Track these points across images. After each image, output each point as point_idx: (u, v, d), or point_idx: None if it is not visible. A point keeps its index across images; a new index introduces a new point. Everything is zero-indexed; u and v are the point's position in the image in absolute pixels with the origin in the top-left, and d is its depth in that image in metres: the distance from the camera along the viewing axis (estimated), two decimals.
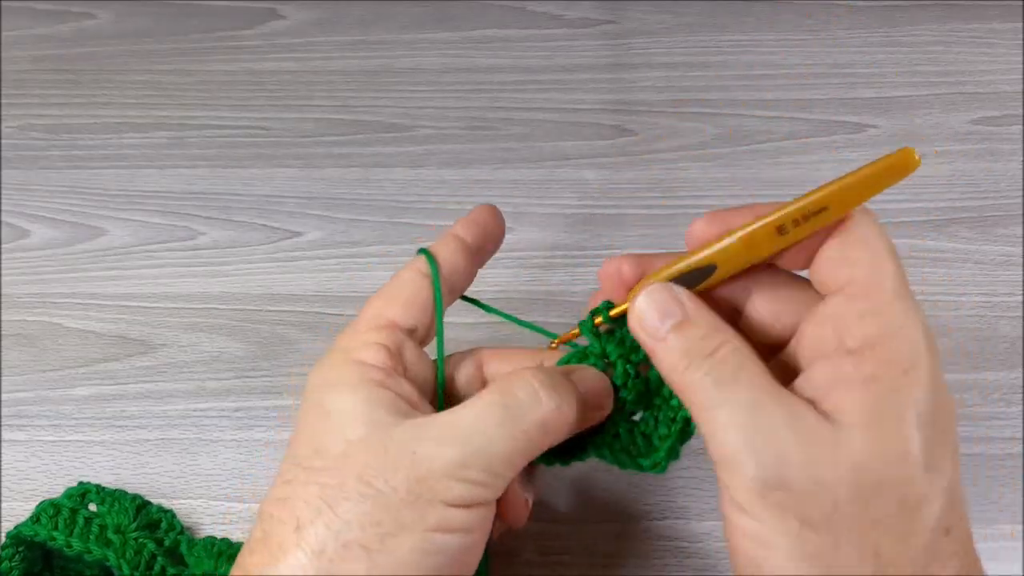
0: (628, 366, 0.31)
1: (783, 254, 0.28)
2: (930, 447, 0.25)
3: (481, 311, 0.36)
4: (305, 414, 0.30)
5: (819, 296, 0.28)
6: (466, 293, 0.35)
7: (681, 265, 0.29)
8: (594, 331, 0.31)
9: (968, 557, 0.26)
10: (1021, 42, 0.57)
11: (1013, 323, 0.46)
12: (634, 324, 0.29)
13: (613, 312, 0.31)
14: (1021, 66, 0.56)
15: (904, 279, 0.27)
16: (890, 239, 0.27)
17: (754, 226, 0.28)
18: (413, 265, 0.33)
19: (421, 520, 0.27)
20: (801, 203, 0.27)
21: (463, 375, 0.33)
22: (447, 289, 0.33)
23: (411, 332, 0.32)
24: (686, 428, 0.31)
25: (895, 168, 0.26)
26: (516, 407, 0.28)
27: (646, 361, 0.31)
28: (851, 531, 0.24)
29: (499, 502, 0.30)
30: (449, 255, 0.33)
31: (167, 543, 0.39)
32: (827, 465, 0.24)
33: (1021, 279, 0.47)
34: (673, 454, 0.31)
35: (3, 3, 0.62)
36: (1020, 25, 0.58)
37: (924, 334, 0.26)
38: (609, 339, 0.31)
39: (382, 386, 0.29)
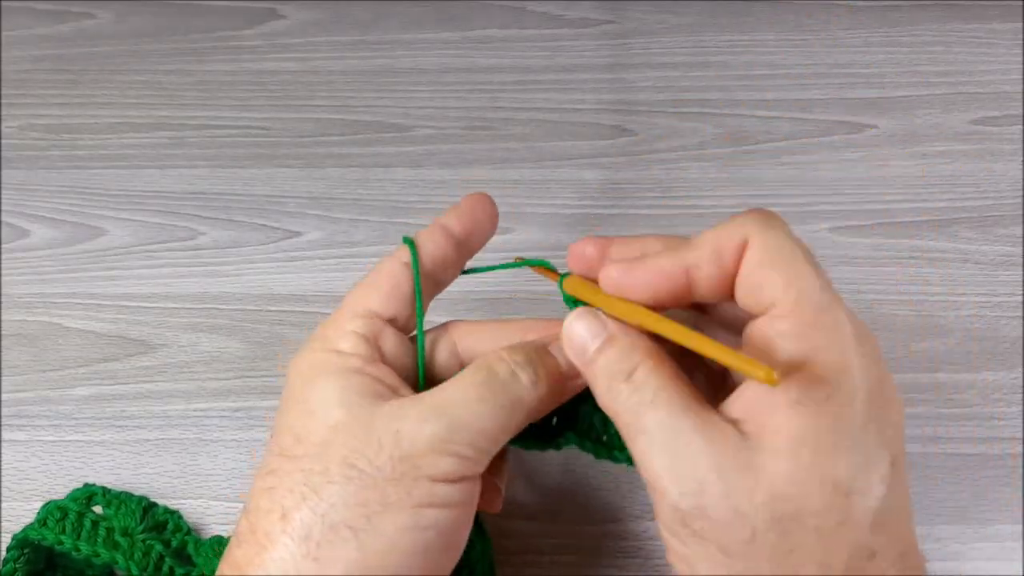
0: None
1: (701, 294, 0.28)
2: (852, 470, 0.24)
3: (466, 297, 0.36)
4: (285, 404, 0.30)
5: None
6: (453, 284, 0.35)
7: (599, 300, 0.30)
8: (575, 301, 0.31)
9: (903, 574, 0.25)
10: (1021, 42, 0.57)
11: (1013, 323, 0.46)
12: (566, 347, 0.29)
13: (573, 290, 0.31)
14: (1021, 66, 0.56)
15: (824, 283, 0.26)
16: (800, 243, 0.27)
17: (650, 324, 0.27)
18: (396, 255, 0.33)
19: (408, 497, 0.27)
20: (677, 335, 0.26)
21: (441, 356, 0.33)
22: (431, 280, 0.33)
23: (391, 321, 0.32)
24: None
25: (755, 376, 0.24)
26: (497, 383, 0.29)
27: None
28: (769, 559, 0.24)
29: None
30: (433, 245, 0.33)
31: (174, 544, 0.39)
32: (744, 492, 0.24)
33: (1021, 279, 0.47)
34: None
35: (3, 3, 0.62)
36: (1020, 25, 0.58)
37: (855, 343, 0.25)
38: None
39: (360, 373, 0.30)
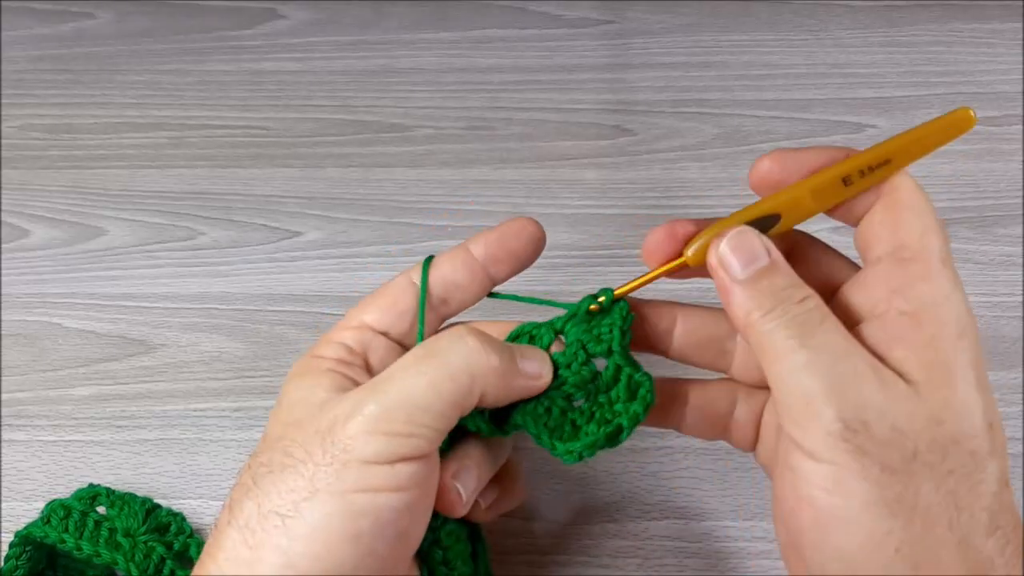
0: (580, 350, 0.31)
1: (843, 209, 0.29)
2: (988, 408, 0.26)
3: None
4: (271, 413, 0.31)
5: (847, 264, 0.29)
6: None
7: (748, 213, 0.29)
8: (587, 312, 0.31)
9: (1017, 514, 0.27)
10: (1021, 42, 0.57)
11: (1013, 323, 0.46)
12: (714, 263, 0.28)
13: (622, 290, 0.31)
14: (1021, 66, 0.56)
15: (949, 250, 0.27)
16: (935, 210, 0.28)
17: (823, 176, 0.28)
18: (407, 272, 0.32)
19: (337, 482, 0.26)
20: (868, 154, 0.28)
21: None
22: (438, 301, 0.32)
23: (383, 334, 0.32)
24: (616, 435, 0.30)
25: (953, 126, 0.28)
26: (440, 355, 0.28)
27: (603, 355, 0.31)
28: (930, 479, 0.25)
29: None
30: (449, 267, 0.32)
31: (177, 546, 0.38)
32: (906, 415, 0.25)
33: (1021, 279, 0.47)
34: (590, 451, 0.30)
35: (3, 3, 0.62)
36: (1020, 25, 0.58)
37: (968, 304, 0.27)
38: (572, 321, 0.31)
39: (331, 371, 0.30)
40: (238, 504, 0.27)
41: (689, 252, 0.30)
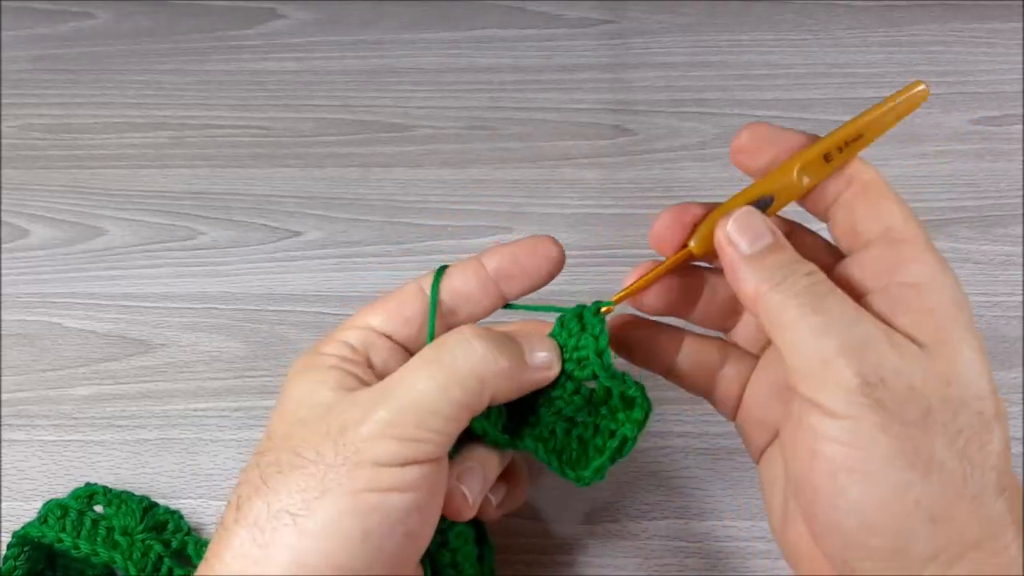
0: (568, 380, 0.31)
1: (808, 196, 0.30)
2: (991, 375, 0.27)
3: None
4: (273, 408, 0.31)
5: (833, 249, 0.30)
6: None
7: (745, 196, 0.30)
8: (597, 315, 0.31)
9: (1017, 478, 0.27)
10: (1021, 42, 0.57)
11: (1013, 323, 0.46)
12: (722, 242, 0.29)
13: (623, 294, 0.31)
14: (1021, 66, 0.56)
15: (929, 235, 0.28)
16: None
17: (807, 154, 0.29)
18: (418, 279, 0.33)
19: (349, 482, 0.27)
20: (842, 130, 0.30)
21: None
22: (447, 311, 0.32)
23: (387, 336, 0.32)
24: (622, 447, 0.31)
25: (912, 99, 0.30)
26: (449, 359, 0.28)
27: (590, 378, 0.31)
28: (943, 434, 0.25)
29: None
30: (460, 279, 0.32)
31: (174, 544, 0.39)
32: (920, 374, 0.26)
33: (1021, 279, 0.47)
34: (599, 474, 0.31)
35: (3, 3, 0.62)
36: (1020, 25, 0.58)
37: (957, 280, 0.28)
38: (577, 322, 0.31)
39: (334, 368, 0.30)
40: (247, 503, 0.27)
41: (693, 243, 0.30)
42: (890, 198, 0.29)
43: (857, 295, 0.28)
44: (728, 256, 0.29)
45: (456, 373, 0.28)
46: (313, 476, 0.27)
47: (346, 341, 0.31)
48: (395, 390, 0.28)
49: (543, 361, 0.31)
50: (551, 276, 0.32)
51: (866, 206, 0.29)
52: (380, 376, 0.31)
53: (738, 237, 0.28)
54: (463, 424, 0.29)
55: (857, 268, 0.29)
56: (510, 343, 0.30)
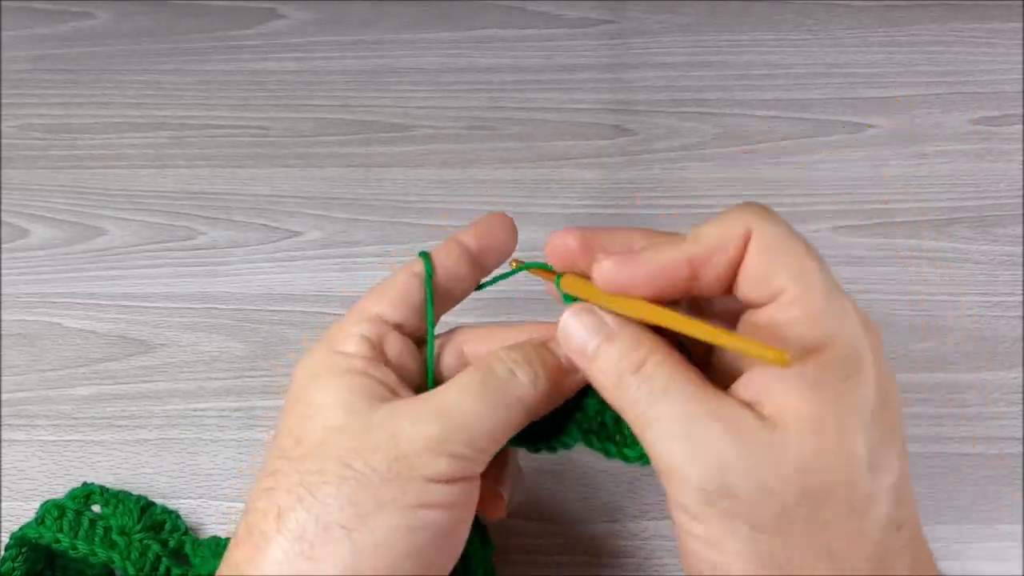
0: None
1: (702, 287, 0.28)
2: (874, 447, 0.25)
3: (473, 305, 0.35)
4: (288, 406, 0.30)
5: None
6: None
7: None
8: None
9: (920, 549, 0.26)
10: (1021, 42, 0.57)
11: (1013, 323, 0.46)
12: (564, 344, 0.29)
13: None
14: (1021, 66, 0.56)
15: (829, 275, 0.26)
16: (799, 234, 0.27)
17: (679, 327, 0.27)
18: (408, 266, 0.33)
19: (402, 497, 0.27)
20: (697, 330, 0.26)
21: (447, 361, 0.33)
22: (443, 293, 0.33)
23: (397, 327, 0.32)
24: None
25: (766, 357, 0.24)
26: (494, 382, 0.29)
27: None
28: (802, 533, 0.24)
29: None
30: (448, 259, 0.33)
31: (172, 544, 0.39)
32: (771, 469, 0.24)
33: (1021, 279, 0.47)
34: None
35: (3, 3, 0.62)
36: (1020, 25, 0.58)
37: (863, 330, 0.26)
38: None
39: (362, 374, 0.30)
40: (290, 512, 0.27)
41: (563, 287, 0.30)
42: (780, 252, 0.26)
43: (740, 366, 0.27)
44: (574, 360, 0.29)
45: (504, 396, 0.29)
46: (366, 489, 0.27)
47: (363, 335, 0.31)
48: (446, 408, 0.28)
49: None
50: (514, 247, 0.34)
51: (757, 271, 0.27)
52: (396, 370, 0.31)
53: (575, 337, 0.28)
54: (503, 444, 0.29)
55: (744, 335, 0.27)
56: (549, 361, 0.30)
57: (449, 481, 0.28)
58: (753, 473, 0.24)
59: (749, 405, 0.25)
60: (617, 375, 0.27)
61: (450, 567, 0.29)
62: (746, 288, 0.27)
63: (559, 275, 0.31)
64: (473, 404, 0.28)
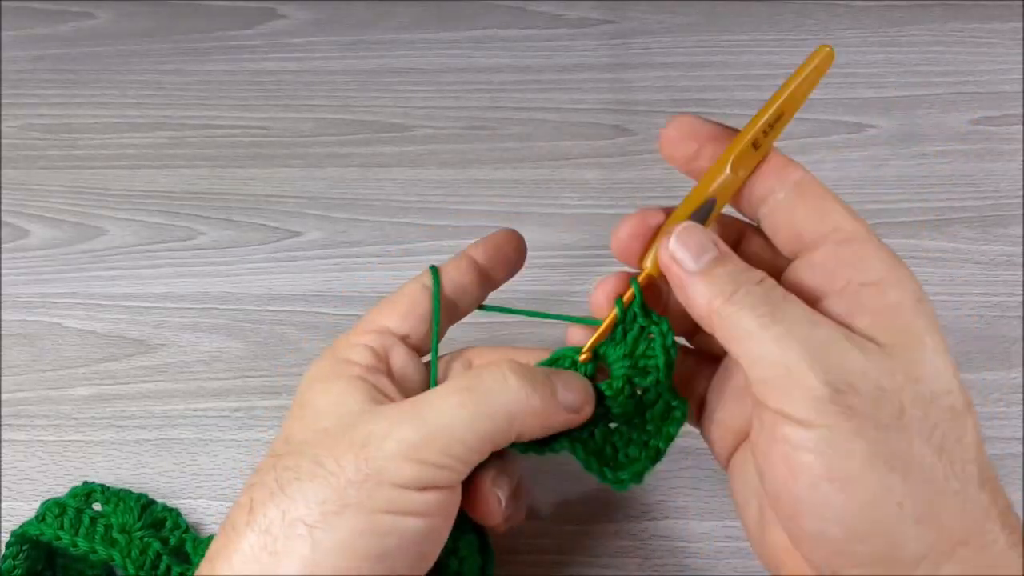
0: (627, 384, 0.31)
1: (741, 198, 0.30)
2: (956, 370, 0.26)
3: (481, 319, 0.35)
4: (290, 410, 0.31)
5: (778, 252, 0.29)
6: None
7: (688, 207, 0.30)
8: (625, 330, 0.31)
9: (996, 471, 0.27)
10: (1021, 42, 0.57)
11: (1013, 323, 0.46)
12: (667, 261, 0.28)
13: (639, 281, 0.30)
14: (1021, 66, 0.56)
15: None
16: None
17: (736, 146, 0.29)
18: (418, 278, 0.33)
19: (368, 500, 0.27)
20: (764, 116, 0.30)
21: (454, 375, 0.33)
22: (450, 305, 0.33)
23: (403, 339, 0.32)
24: (656, 456, 0.31)
25: (821, 64, 0.30)
26: (482, 392, 0.28)
27: (651, 385, 0.31)
28: (919, 432, 0.25)
29: (467, 496, 0.30)
30: (456, 272, 0.33)
31: (172, 542, 0.39)
32: (887, 374, 0.25)
33: (1021, 279, 0.47)
34: (637, 478, 0.31)
35: (3, 3, 0.62)
36: (1020, 25, 0.58)
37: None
38: (613, 347, 0.31)
39: (360, 379, 0.30)
40: (260, 507, 0.27)
41: (648, 264, 0.30)
42: (829, 197, 0.28)
43: (811, 299, 0.27)
44: (675, 275, 0.28)
45: (487, 406, 0.28)
46: (332, 488, 0.27)
47: (369, 346, 0.31)
48: (424, 412, 0.28)
49: (574, 402, 0.30)
50: (522, 264, 0.35)
51: (806, 208, 0.28)
52: (399, 382, 0.31)
53: (682, 254, 0.28)
54: (484, 456, 0.29)
55: (807, 272, 0.28)
56: (545, 383, 0.29)
57: (420, 489, 0.27)
58: (872, 376, 0.25)
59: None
60: (737, 284, 0.27)
61: (423, 572, 0.29)
62: (798, 223, 0.28)
63: (633, 278, 0.31)
64: (454, 411, 0.28)
